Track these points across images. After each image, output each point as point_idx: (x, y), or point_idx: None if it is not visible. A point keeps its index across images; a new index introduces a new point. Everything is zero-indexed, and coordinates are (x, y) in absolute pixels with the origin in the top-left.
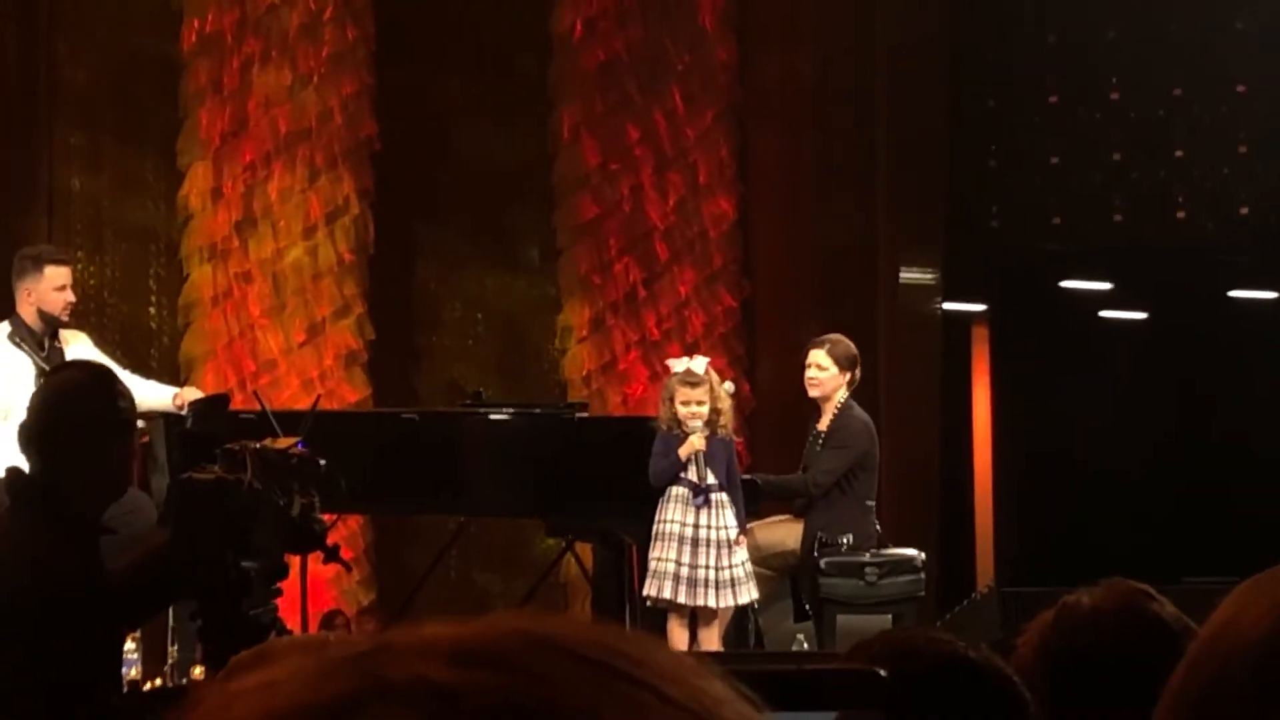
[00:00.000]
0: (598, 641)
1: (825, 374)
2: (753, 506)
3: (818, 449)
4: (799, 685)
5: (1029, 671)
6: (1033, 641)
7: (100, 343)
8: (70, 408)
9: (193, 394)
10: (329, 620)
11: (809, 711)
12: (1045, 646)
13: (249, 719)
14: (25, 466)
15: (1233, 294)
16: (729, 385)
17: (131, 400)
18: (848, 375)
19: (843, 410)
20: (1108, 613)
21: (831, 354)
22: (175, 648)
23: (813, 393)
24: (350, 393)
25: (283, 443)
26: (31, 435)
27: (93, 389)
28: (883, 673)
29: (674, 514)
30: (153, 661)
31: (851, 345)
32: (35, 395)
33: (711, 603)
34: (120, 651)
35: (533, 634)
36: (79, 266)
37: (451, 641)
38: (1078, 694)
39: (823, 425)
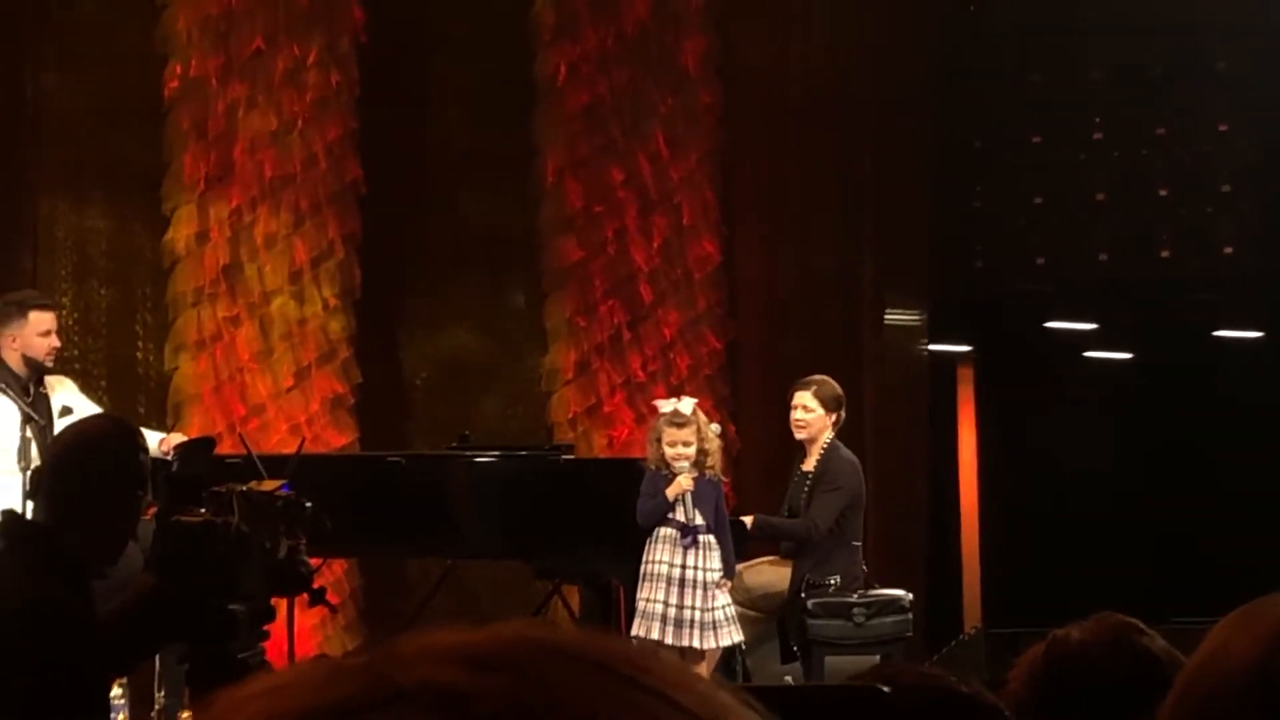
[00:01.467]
0: (604, 648)
1: (811, 415)
2: (741, 548)
3: (804, 490)
4: (805, 702)
5: (1020, 705)
6: (1023, 675)
7: (86, 388)
8: (94, 457)
9: (179, 439)
10: None
11: None
12: (1035, 680)
13: None
14: (17, 509)
15: (1217, 333)
16: (716, 427)
17: (149, 453)
18: (833, 416)
19: (829, 451)
20: (1097, 646)
21: (818, 395)
22: (162, 694)
23: (799, 435)
24: (336, 437)
25: (269, 485)
26: (48, 481)
27: (118, 440)
28: (886, 689)
29: (662, 554)
30: (140, 707)
31: (836, 386)
32: (57, 442)
33: (698, 644)
34: (108, 697)
35: (540, 640)
36: (64, 311)
37: (460, 647)
38: (1074, 717)
39: (809, 466)
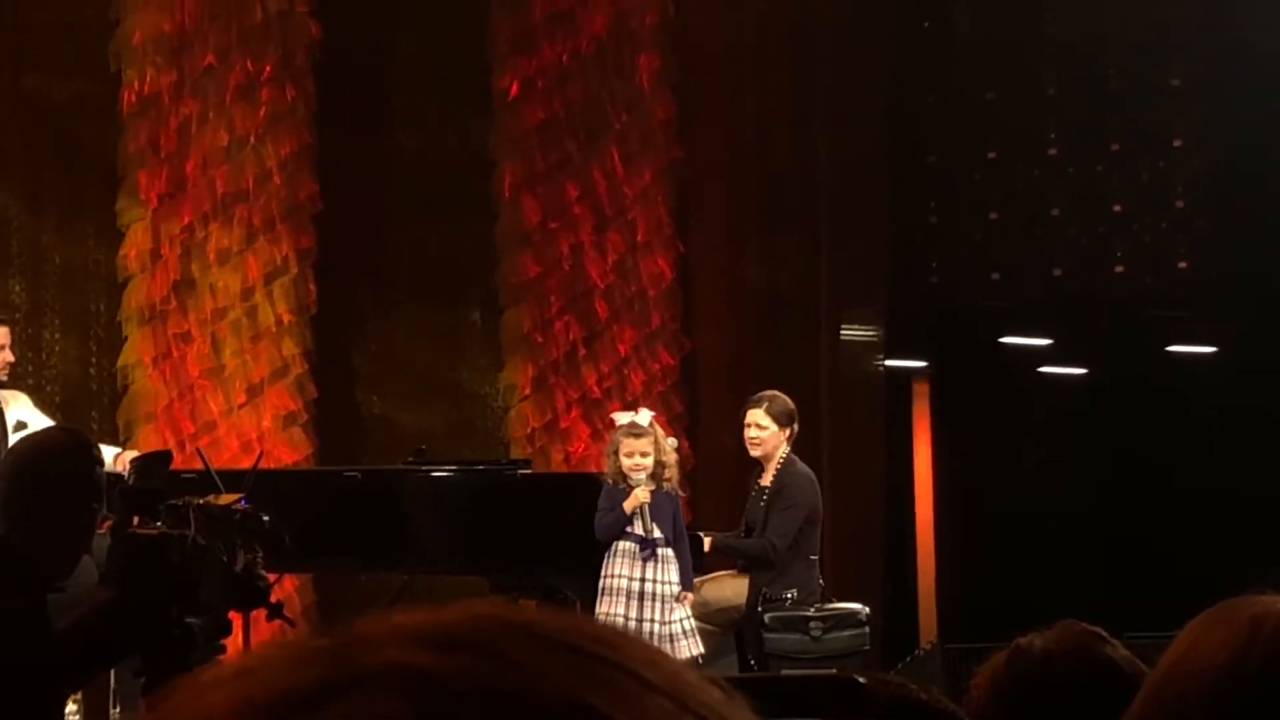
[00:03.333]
0: (572, 627)
1: (765, 433)
2: (698, 562)
3: (760, 505)
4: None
5: (982, 713)
6: (985, 684)
7: (40, 403)
8: (50, 469)
9: (134, 455)
10: None
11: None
12: (998, 688)
13: (225, 707)
14: None
15: (1171, 349)
16: (672, 441)
17: (104, 465)
18: (786, 431)
19: (785, 466)
20: (1060, 654)
21: (769, 412)
22: (117, 710)
23: (754, 452)
24: (289, 453)
25: (226, 499)
26: (3, 493)
27: (74, 452)
28: (862, 679)
29: (620, 568)
30: None
31: (788, 401)
32: (12, 454)
33: None
34: (62, 711)
35: (508, 620)
36: (18, 326)
37: (426, 628)
38: None
39: (766, 481)
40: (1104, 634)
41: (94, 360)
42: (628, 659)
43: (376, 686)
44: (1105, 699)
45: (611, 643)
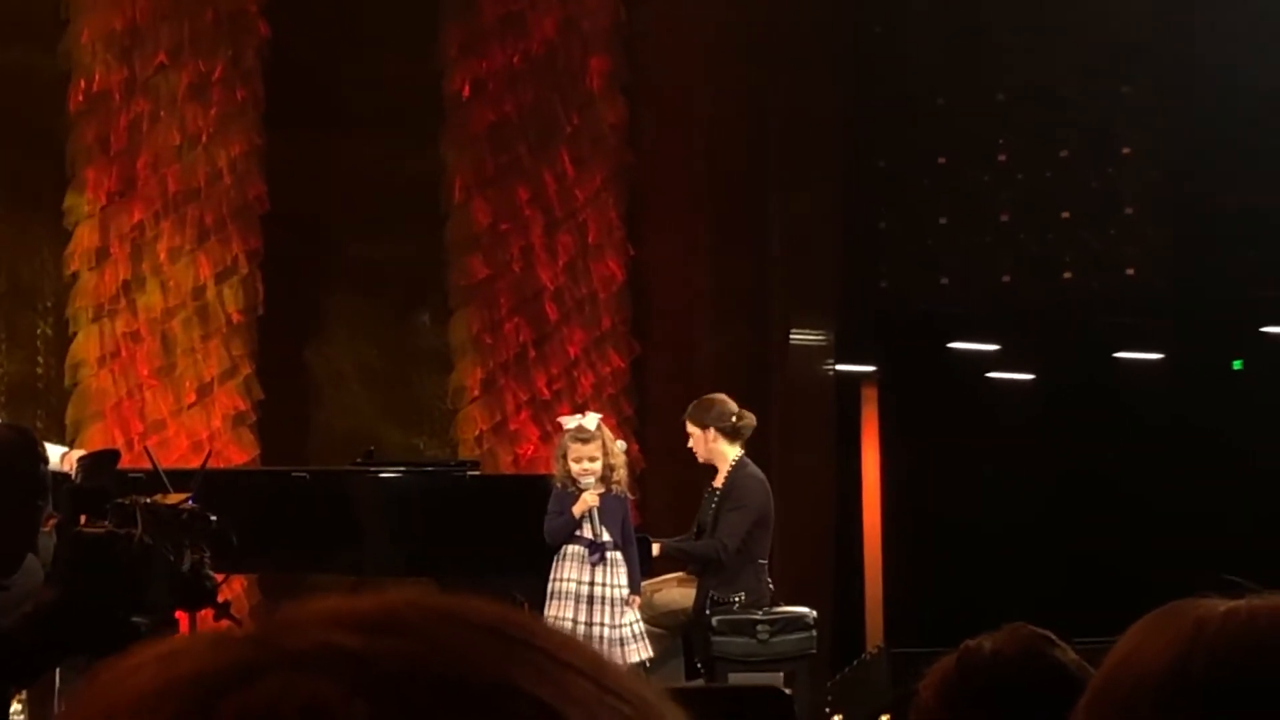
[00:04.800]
0: (495, 614)
1: (693, 437)
2: (647, 565)
3: (711, 507)
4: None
5: (929, 714)
6: (933, 685)
7: None
8: None
9: (81, 454)
10: None
11: None
12: (946, 689)
13: (150, 688)
14: None
15: (1119, 355)
16: (621, 444)
17: (49, 463)
18: (710, 431)
19: (736, 469)
20: (1009, 657)
21: (690, 418)
22: (63, 708)
23: (700, 459)
24: (238, 453)
25: (174, 498)
26: None
27: (19, 449)
28: (788, 691)
29: (569, 572)
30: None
31: (709, 400)
32: None
33: None
34: (7, 710)
35: (433, 605)
36: None
37: (352, 613)
38: None
39: (717, 483)
40: (1053, 637)
41: (41, 359)
42: (549, 643)
43: (303, 666)
44: (1053, 702)
45: (532, 628)
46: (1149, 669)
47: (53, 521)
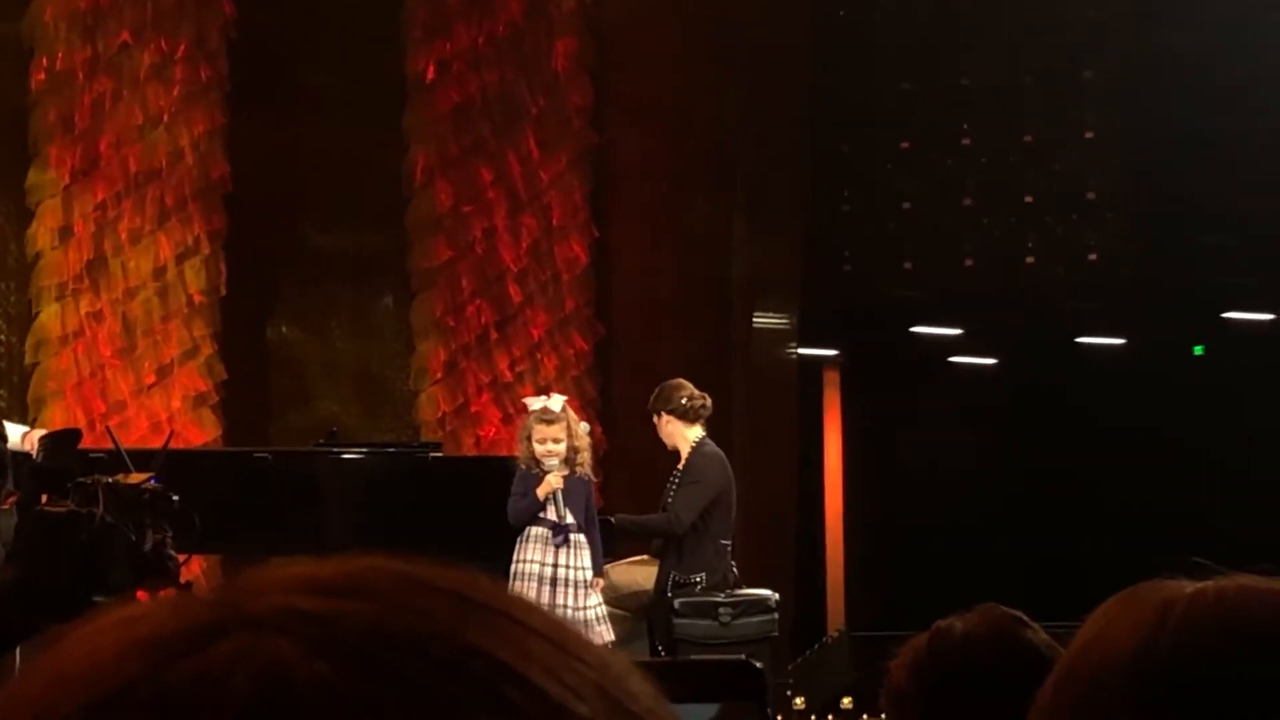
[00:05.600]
0: (457, 577)
1: (657, 425)
2: (610, 547)
3: (671, 487)
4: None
5: (901, 694)
6: (905, 665)
7: None
8: None
9: (42, 434)
10: None
11: (690, 704)
12: (919, 670)
13: (110, 650)
14: None
15: (1080, 340)
16: (585, 426)
17: (6, 441)
18: (663, 415)
19: (695, 449)
20: (980, 637)
21: (650, 408)
22: (21, 672)
23: (667, 446)
24: (199, 434)
25: (135, 478)
26: None
27: None
28: (759, 665)
29: (533, 554)
30: None
31: (663, 386)
32: None
33: None
34: None
35: (394, 569)
36: None
37: (312, 577)
38: (953, 708)
39: (680, 465)
40: (1025, 618)
41: (3, 338)
42: (511, 608)
43: (262, 628)
44: (1026, 683)
45: (495, 593)
46: (1115, 650)
47: (12, 500)
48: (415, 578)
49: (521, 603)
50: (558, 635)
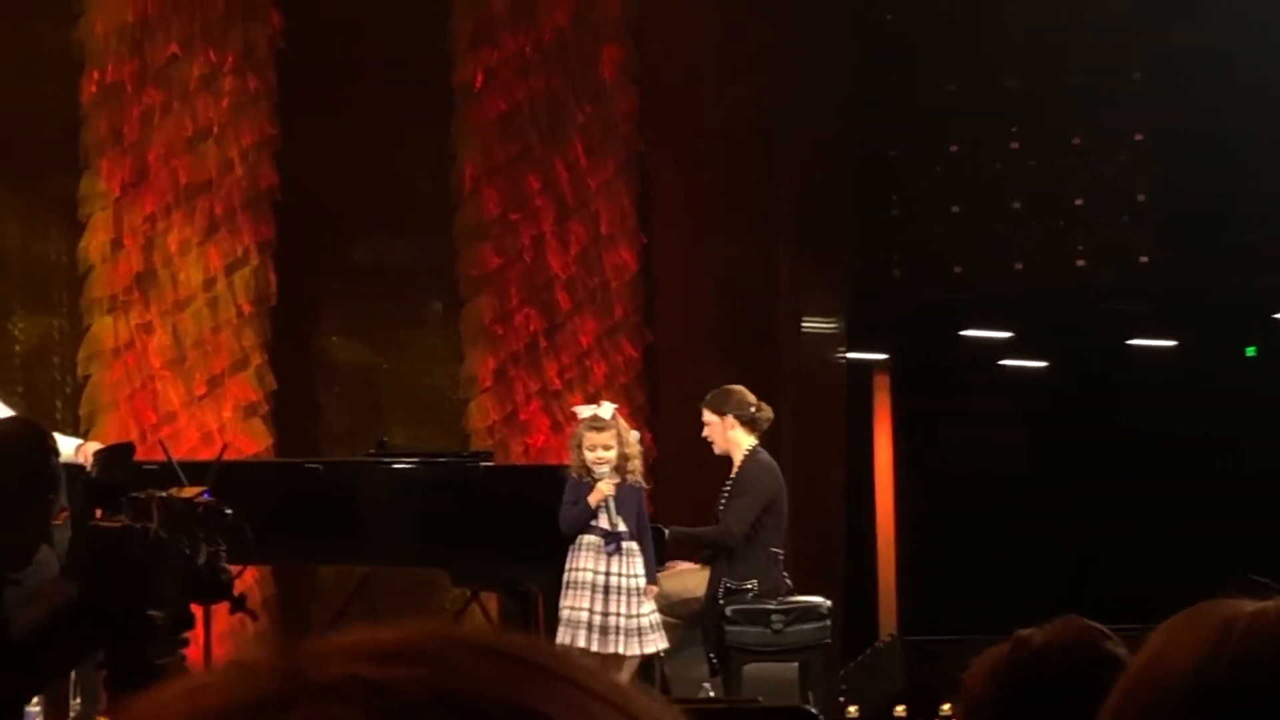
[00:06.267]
0: (517, 643)
1: (710, 426)
2: (660, 554)
3: (724, 496)
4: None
5: (979, 705)
6: (984, 673)
7: (2, 394)
8: (6, 462)
9: (95, 447)
10: None
11: None
12: (999, 679)
13: None
14: None
15: (1131, 342)
16: (635, 434)
17: (59, 455)
18: (729, 418)
19: (748, 457)
20: (1061, 648)
21: (708, 406)
22: (78, 700)
23: (715, 450)
24: (249, 444)
25: (188, 492)
26: None
27: (29, 444)
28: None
29: (585, 562)
30: (54, 715)
31: (727, 390)
32: None
33: (624, 650)
34: (23, 707)
35: (453, 635)
36: None
37: (374, 644)
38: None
39: (732, 474)
40: (1105, 630)
41: (57, 351)
42: (570, 670)
43: (326, 697)
44: (1105, 695)
45: (550, 654)
46: (1174, 671)
47: (65, 515)
48: (475, 643)
49: (588, 668)
50: (620, 699)
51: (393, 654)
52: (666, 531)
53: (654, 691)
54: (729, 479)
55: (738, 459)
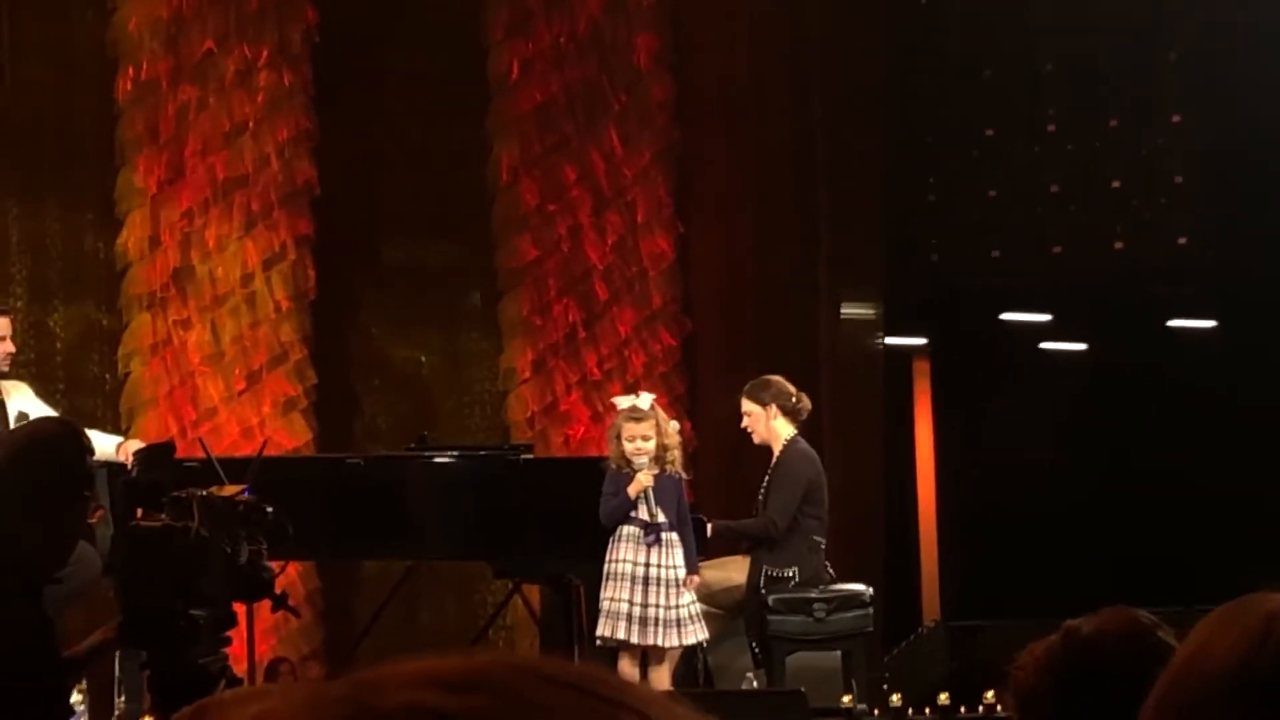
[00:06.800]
0: (576, 670)
1: (750, 416)
2: (701, 546)
3: (764, 485)
4: None
5: (1032, 693)
6: (1037, 664)
7: (42, 392)
8: (43, 461)
9: (135, 446)
10: (273, 668)
11: None
12: (1054, 669)
13: None
14: None
15: (1171, 323)
16: (674, 424)
17: (94, 454)
18: (771, 408)
19: (788, 446)
20: (1115, 638)
21: (748, 396)
22: (122, 699)
23: (755, 440)
24: (289, 439)
25: (229, 490)
26: None
27: (65, 443)
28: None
29: (625, 553)
30: (100, 712)
31: (768, 379)
32: (1, 447)
33: (663, 642)
34: (69, 701)
35: (515, 664)
36: (19, 316)
37: (436, 672)
38: (1087, 711)
39: (773, 462)
40: (1155, 619)
41: (97, 348)
42: (634, 700)
43: None
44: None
45: (613, 683)
46: (1217, 664)
47: (100, 513)
48: (537, 672)
49: (647, 696)
50: None
51: (456, 682)
52: (709, 528)
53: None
54: (769, 469)
55: (777, 449)
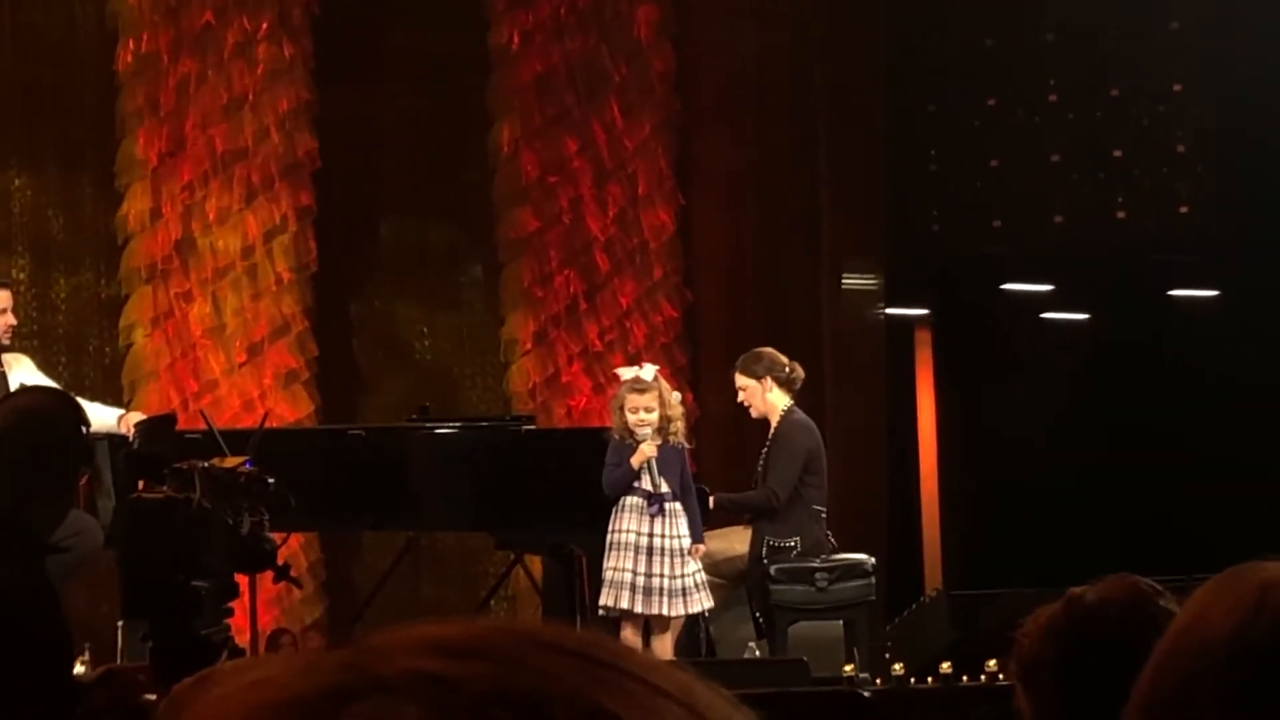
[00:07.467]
0: (578, 637)
1: (746, 390)
2: (705, 515)
3: (763, 457)
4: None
5: (1038, 661)
6: (1039, 632)
7: (44, 364)
8: (38, 432)
9: (137, 418)
10: (275, 639)
11: None
12: (1058, 636)
13: (240, 714)
14: None
15: (1173, 293)
16: (677, 395)
17: (90, 426)
18: (765, 380)
19: (784, 416)
20: (1119, 605)
21: (741, 369)
22: None
23: (753, 414)
24: (291, 411)
25: (231, 462)
26: None
27: (60, 414)
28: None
29: (628, 524)
30: None
31: (758, 353)
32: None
33: (667, 611)
34: (71, 674)
35: (517, 630)
36: (20, 288)
37: (437, 638)
38: (1090, 678)
39: (770, 435)
40: (1158, 587)
41: (97, 321)
42: (636, 666)
43: (391, 691)
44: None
45: (616, 650)
46: (1214, 633)
47: (84, 481)
48: (539, 638)
49: (651, 662)
50: (686, 696)
51: (458, 649)
52: (711, 500)
53: (719, 688)
54: (767, 440)
55: (775, 420)
